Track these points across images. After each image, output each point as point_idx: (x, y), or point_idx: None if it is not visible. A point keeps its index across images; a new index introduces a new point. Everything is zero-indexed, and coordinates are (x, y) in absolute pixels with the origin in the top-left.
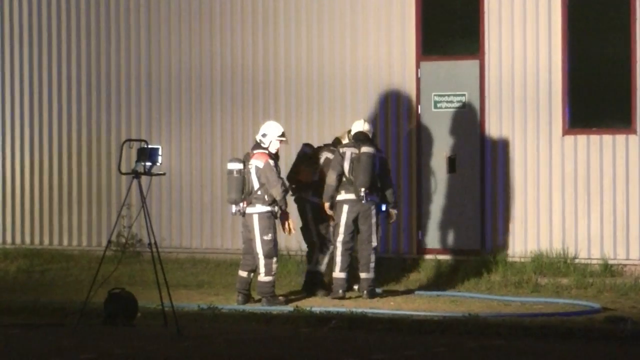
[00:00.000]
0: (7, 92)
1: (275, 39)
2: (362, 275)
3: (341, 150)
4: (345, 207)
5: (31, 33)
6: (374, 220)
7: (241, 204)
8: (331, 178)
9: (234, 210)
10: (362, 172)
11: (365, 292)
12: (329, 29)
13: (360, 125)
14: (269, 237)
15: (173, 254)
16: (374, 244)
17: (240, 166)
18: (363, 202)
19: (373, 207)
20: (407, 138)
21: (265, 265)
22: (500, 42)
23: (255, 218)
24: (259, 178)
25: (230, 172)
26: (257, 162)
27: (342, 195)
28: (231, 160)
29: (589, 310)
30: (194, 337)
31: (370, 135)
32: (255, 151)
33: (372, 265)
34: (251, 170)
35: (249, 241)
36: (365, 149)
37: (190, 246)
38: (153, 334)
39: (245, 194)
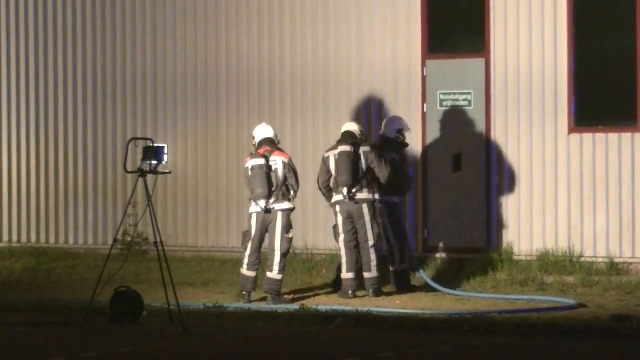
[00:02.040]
0: (12, 89)
1: (281, 37)
2: (365, 275)
3: (324, 156)
4: (337, 208)
5: (37, 30)
6: (367, 218)
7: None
8: (321, 186)
9: (263, 206)
10: (341, 172)
11: (370, 291)
12: (334, 27)
13: (347, 126)
14: (290, 235)
15: (179, 253)
16: (371, 242)
17: (264, 162)
18: (346, 201)
19: (365, 205)
20: (413, 136)
21: (280, 263)
22: (506, 40)
23: (280, 215)
24: (287, 173)
25: (261, 167)
26: (282, 158)
27: (333, 198)
28: (254, 157)
29: (566, 307)
30: (200, 336)
31: (358, 134)
32: (271, 148)
33: (374, 264)
34: (277, 167)
35: (260, 239)
36: (341, 148)
37: (196, 244)
38: (159, 332)
39: (274, 190)
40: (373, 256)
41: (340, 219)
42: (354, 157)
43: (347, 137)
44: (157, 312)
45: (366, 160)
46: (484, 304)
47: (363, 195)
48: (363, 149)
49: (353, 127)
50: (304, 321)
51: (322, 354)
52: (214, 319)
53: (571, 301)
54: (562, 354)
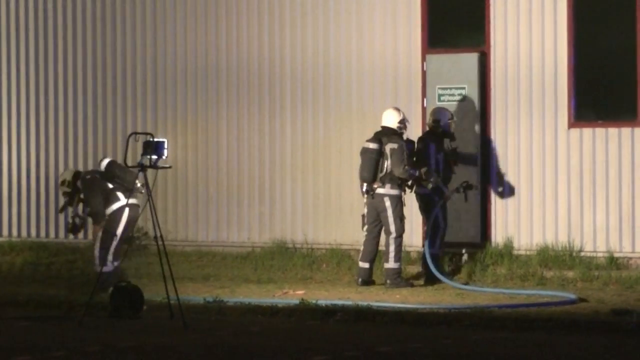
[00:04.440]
0: (12, 84)
1: (281, 32)
2: (384, 265)
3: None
4: (364, 200)
5: (37, 25)
6: (389, 212)
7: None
8: None
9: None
10: (361, 168)
11: (387, 281)
12: (334, 22)
13: (385, 119)
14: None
15: (179, 247)
16: (393, 234)
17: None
18: (365, 196)
19: (387, 198)
20: (413, 131)
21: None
22: (506, 35)
23: None
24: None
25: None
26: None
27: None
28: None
29: (566, 301)
30: (200, 330)
31: (397, 126)
32: None
33: (392, 255)
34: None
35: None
36: (366, 144)
37: (196, 239)
38: (159, 327)
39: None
40: (392, 247)
41: (365, 209)
42: (376, 155)
43: (382, 131)
44: (157, 306)
45: (390, 156)
46: (484, 299)
47: (384, 190)
48: (390, 146)
49: (390, 119)
50: (304, 315)
51: (322, 348)
52: (214, 314)
53: (571, 295)
54: (562, 348)
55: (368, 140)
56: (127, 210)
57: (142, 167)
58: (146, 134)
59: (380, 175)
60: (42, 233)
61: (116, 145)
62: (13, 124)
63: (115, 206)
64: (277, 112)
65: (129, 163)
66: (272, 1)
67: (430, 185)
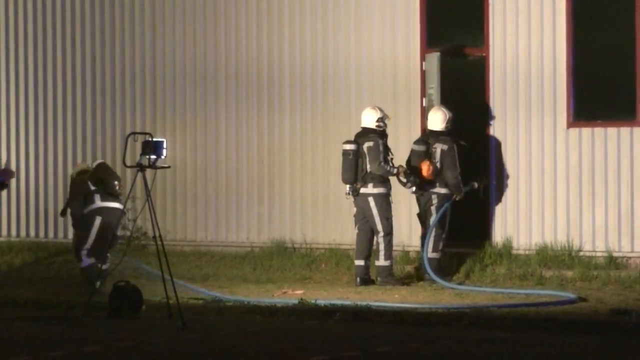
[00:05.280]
0: (12, 84)
1: (280, 32)
2: (376, 262)
3: None
4: (352, 201)
5: (36, 25)
6: (374, 211)
7: None
8: None
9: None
10: (342, 170)
11: (378, 279)
12: (333, 21)
13: (363, 119)
14: None
15: (178, 247)
16: (381, 233)
17: None
18: (348, 197)
19: (371, 198)
20: (412, 131)
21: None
22: (505, 35)
23: None
24: None
25: None
26: None
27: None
28: None
29: (565, 301)
30: (199, 330)
31: (375, 125)
32: None
33: (382, 252)
34: None
35: None
36: (344, 146)
37: (195, 239)
38: (158, 327)
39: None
40: (382, 246)
41: (354, 209)
42: (353, 156)
43: (361, 132)
44: (156, 306)
45: (367, 154)
46: (483, 298)
47: (368, 189)
48: (366, 145)
49: (368, 119)
50: (303, 315)
51: (321, 348)
52: (213, 314)
53: (570, 295)
54: (561, 348)
55: (345, 143)
56: (98, 218)
57: (141, 167)
58: (145, 133)
59: (362, 175)
60: (41, 233)
61: (115, 145)
62: (12, 124)
63: (90, 208)
64: (276, 112)
65: (128, 163)
66: (271, 1)
67: (409, 185)
